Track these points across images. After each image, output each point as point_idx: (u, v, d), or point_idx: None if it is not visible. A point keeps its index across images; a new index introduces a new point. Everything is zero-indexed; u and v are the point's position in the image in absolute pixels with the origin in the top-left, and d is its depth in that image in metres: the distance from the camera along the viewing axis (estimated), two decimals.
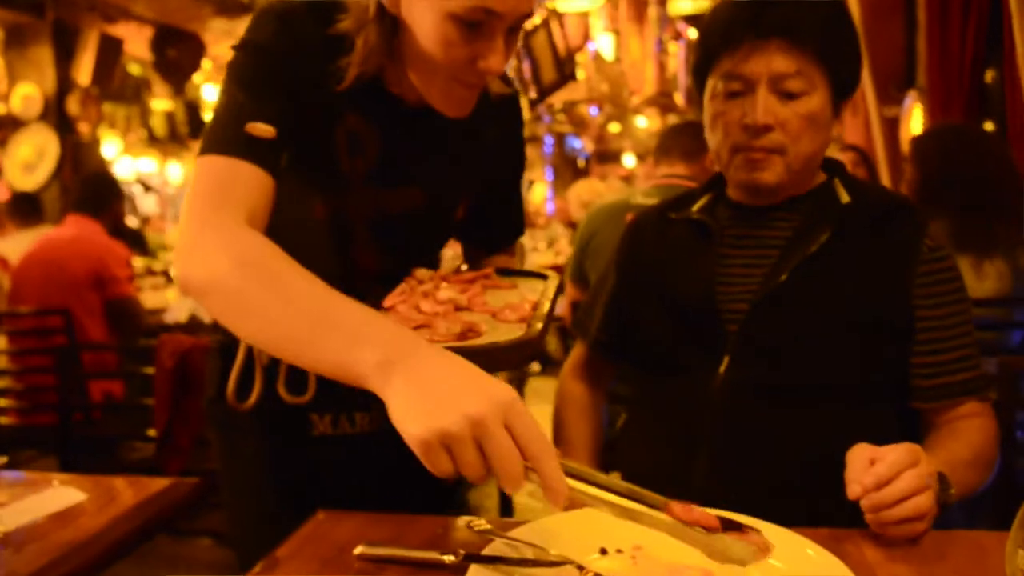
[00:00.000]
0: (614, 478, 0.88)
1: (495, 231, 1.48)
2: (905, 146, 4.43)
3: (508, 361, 1.01)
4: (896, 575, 0.92)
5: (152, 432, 2.14)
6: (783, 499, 1.14)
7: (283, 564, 0.98)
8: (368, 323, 0.86)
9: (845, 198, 1.29)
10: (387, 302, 1.13)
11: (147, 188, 10.69)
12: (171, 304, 3.52)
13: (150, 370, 2.07)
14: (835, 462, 1.08)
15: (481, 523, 1.01)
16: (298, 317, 0.87)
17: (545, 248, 7.11)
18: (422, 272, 1.21)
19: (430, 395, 0.77)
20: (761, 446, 1.23)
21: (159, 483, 1.31)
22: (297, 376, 1.26)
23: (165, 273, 4.59)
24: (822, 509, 1.06)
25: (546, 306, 1.09)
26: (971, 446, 1.20)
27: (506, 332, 1.02)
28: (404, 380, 0.79)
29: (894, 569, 0.93)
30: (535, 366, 5.27)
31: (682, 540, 0.83)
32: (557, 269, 5.74)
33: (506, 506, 3.16)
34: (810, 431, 1.22)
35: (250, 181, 1.02)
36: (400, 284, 1.18)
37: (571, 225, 6.49)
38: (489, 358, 0.92)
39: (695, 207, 1.38)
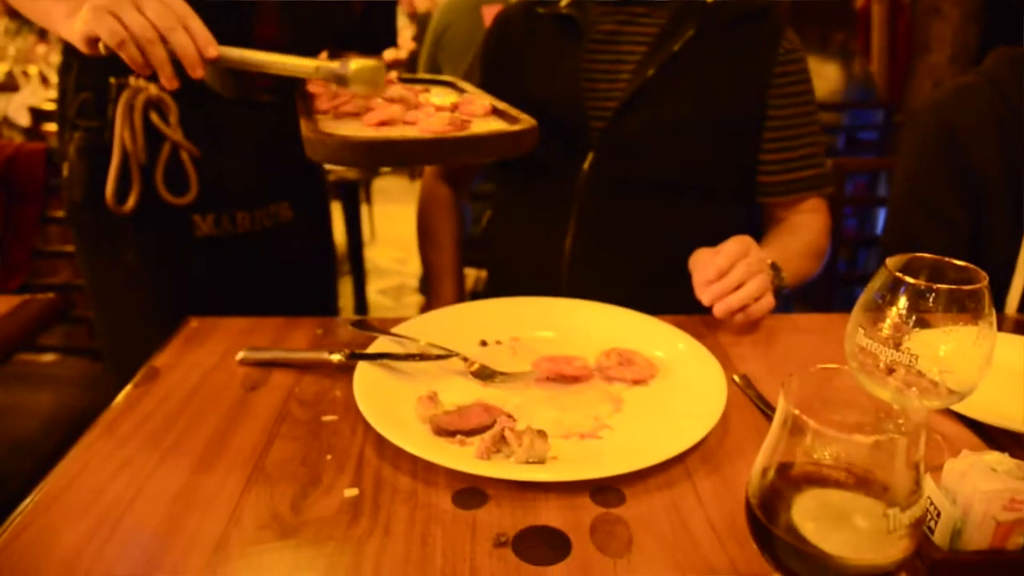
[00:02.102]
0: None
1: (376, 33, 1.46)
2: None
3: (524, 145, 1.04)
4: (743, 356, 1.03)
5: None
6: (642, 287, 1.23)
7: (163, 374, 0.97)
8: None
9: None
10: (321, 104, 1.10)
11: None
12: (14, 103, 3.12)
13: None
14: (688, 251, 1.17)
15: (367, 321, 1.02)
16: None
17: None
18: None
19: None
20: (622, 240, 1.29)
21: (9, 301, 1.24)
22: (176, 175, 1.20)
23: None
24: (677, 294, 1.15)
25: (500, 102, 1.14)
26: (805, 239, 1.33)
27: (492, 125, 1.05)
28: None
29: (741, 351, 1.04)
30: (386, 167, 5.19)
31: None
32: (399, 64, 5.51)
33: (360, 306, 3.22)
34: (668, 224, 1.29)
35: None
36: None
37: (413, 17, 6.16)
38: (507, 143, 1.01)
39: (563, 1, 1.35)
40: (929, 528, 0.65)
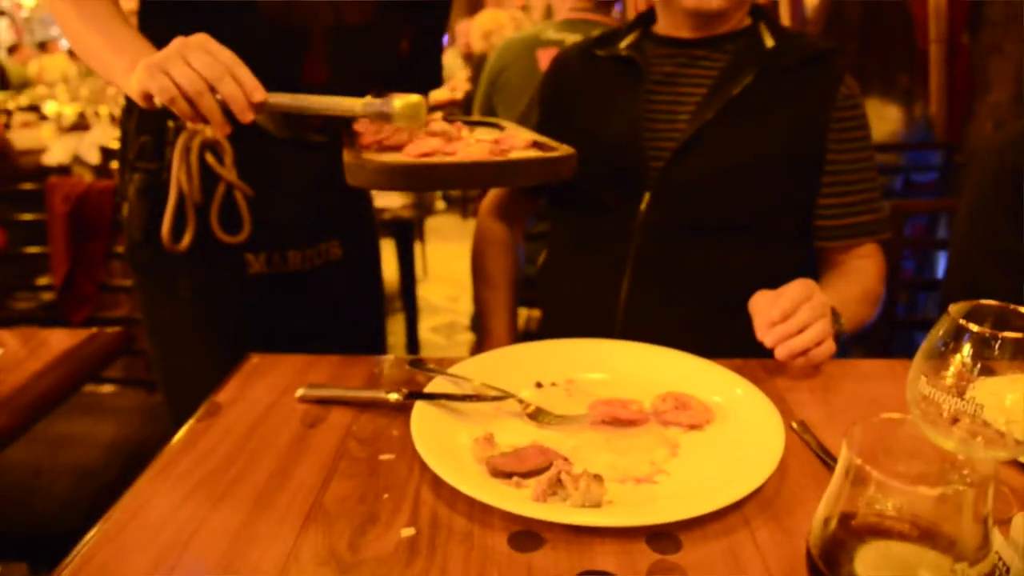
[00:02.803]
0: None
1: (421, 75, 1.49)
2: None
3: (561, 172, 1.06)
4: (801, 401, 1.02)
5: (43, 281, 2.05)
6: (698, 329, 1.23)
7: (225, 410, 1.00)
8: (129, 42, 1.09)
9: (770, 42, 1.31)
10: (365, 139, 1.14)
11: None
12: (48, 144, 3.26)
13: (31, 216, 1.95)
14: (746, 296, 1.16)
15: (424, 361, 1.04)
16: (91, 33, 1.11)
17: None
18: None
19: (151, 58, 0.98)
20: (678, 281, 1.29)
21: (78, 335, 1.28)
22: (230, 214, 1.24)
23: (35, 108, 4.21)
24: (733, 338, 1.15)
25: (541, 136, 1.17)
26: (862, 284, 1.31)
27: (531, 154, 1.08)
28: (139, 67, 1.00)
29: (799, 396, 1.03)
30: (440, 204, 5.27)
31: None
32: (454, 104, 5.60)
33: (412, 343, 3.26)
34: (724, 266, 1.28)
35: None
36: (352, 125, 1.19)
37: (469, 58, 6.27)
38: (548, 168, 1.04)
39: (622, 44, 1.38)
40: None
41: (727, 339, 1.14)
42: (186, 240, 1.22)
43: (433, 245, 4.98)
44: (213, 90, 0.96)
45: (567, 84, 1.44)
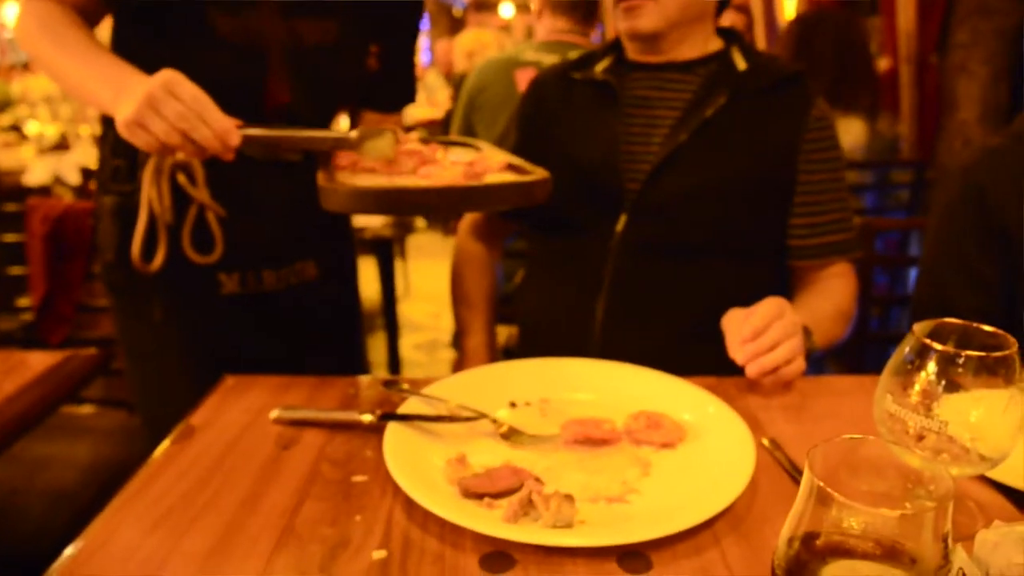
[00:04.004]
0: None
1: (393, 91, 1.48)
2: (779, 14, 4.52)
3: (535, 196, 1.06)
4: (773, 419, 1.03)
5: (23, 302, 2.04)
6: (674, 349, 1.24)
7: (199, 432, 0.99)
8: (110, 69, 1.11)
9: (742, 65, 1.33)
10: (341, 161, 1.14)
11: None
12: (29, 165, 3.24)
13: (12, 237, 1.94)
14: (721, 315, 1.17)
15: (401, 383, 1.04)
16: (71, 64, 1.14)
17: (423, 101, 6.89)
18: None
19: (126, 99, 1.02)
20: (654, 300, 1.31)
21: (54, 356, 1.28)
22: (203, 235, 1.24)
23: (16, 128, 4.18)
24: (708, 358, 1.16)
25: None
26: (834, 302, 1.33)
27: (506, 178, 1.08)
28: (119, 101, 1.04)
29: (771, 414, 1.04)
30: (420, 222, 5.27)
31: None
32: (435, 123, 5.62)
33: (393, 361, 3.25)
34: (700, 287, 1.30)
35: None
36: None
37: (450, 77, 6.30)
38: (521, 192, 1.05)
39: (598, 67, 1.39)
40: None
41: (702, 358, 1.15)
42: (158, 261, 1.22)
43: (415, 263, 4.98)
44: (189, 140, 1.01)
45: (545, 106, 1.46)
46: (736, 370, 1.09)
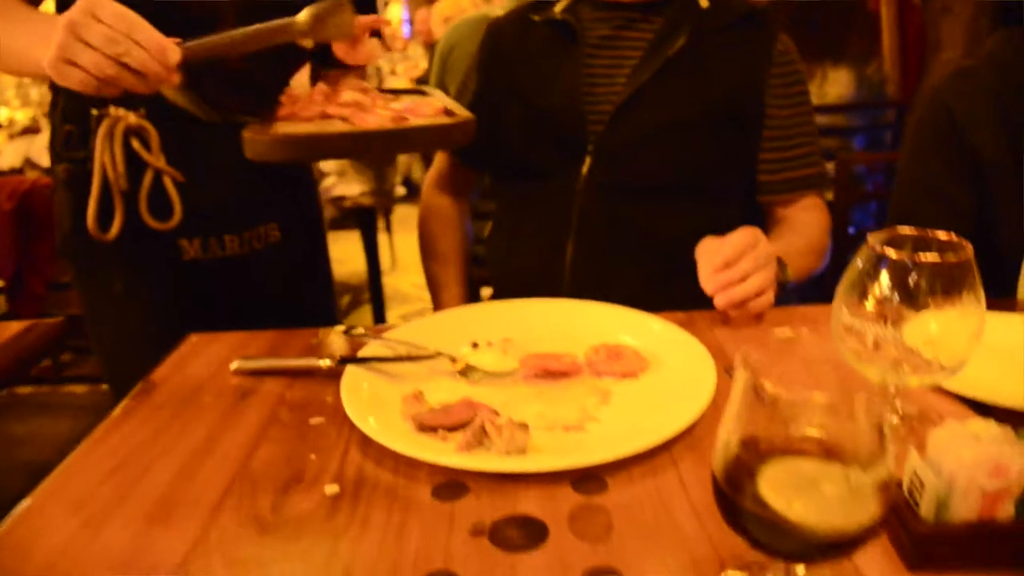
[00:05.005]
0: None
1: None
2: None
3: (453, 138, 1.06)
4: (738, 349, 1.01)
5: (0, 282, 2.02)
6: (644, 289, 1.22)
7: (159, 387, 0.98)
8: (45, 25, 1.02)
9: (704, 3, 1.31)
10: (282, 112, 1.11)
11: None
12: (1, 149, 3.22)
13: None
14: (689, 253, 1.16)
15: (357, 328, 1.03)
16: (11, 38, 1.05)
17: (403, 72, 6.81)
18: (296, 89, 1.18)
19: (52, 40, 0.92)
20: (623, 242, 1.29)
21: (17, 325, 1.26)
22: (160, 201, 1.21)
23: None
24: (679, 296, 1.14)
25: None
26: (806, 236, 1.32)
27: (434, 120, 1.06)
28: None
29: (738, 346, 1.02)
30: (400, 190, 5.23)
31: None
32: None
33: (376, 297, 3.24)
34: (668, 226, 1.28)
35: None
36: (280, 96, 1.16)
37: (430, 47, 6.22)
38: (435, 136, 1.04)
39: (558, 8, 1.36)
40: (915, 501, 0.63)
41: (673, 297, 1.14)
42: (115, 229, 1.19)
43: (401, 236, 4.94)
44: (124, 65, 0.92)
45: (503, 50, 1.43)
46: (707, 303, 1.07)
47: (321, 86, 1.19)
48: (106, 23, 0.90)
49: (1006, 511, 0.61)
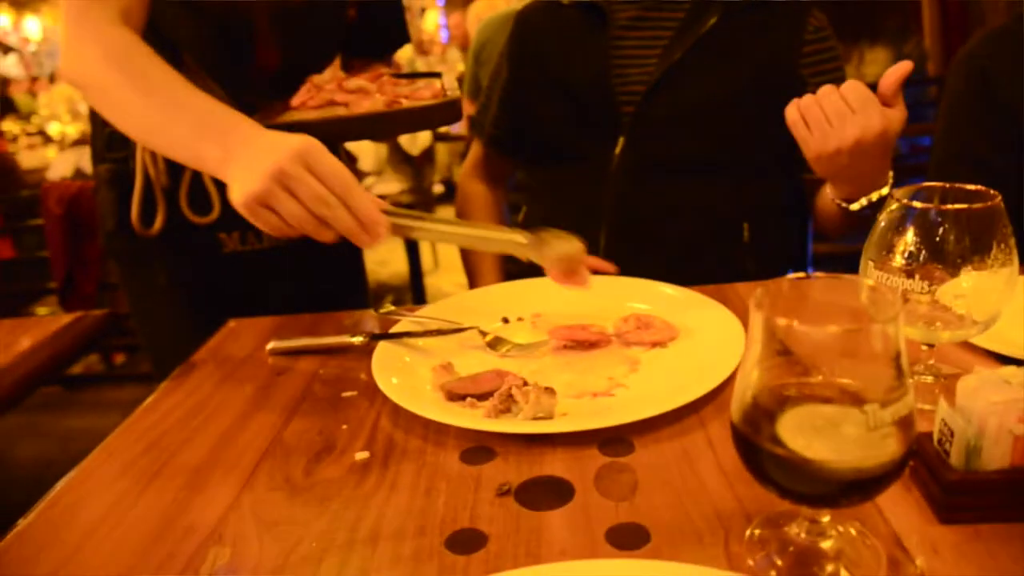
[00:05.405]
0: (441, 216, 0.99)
1: (380, 37, 1.46)
2: None
3: (434, 120, 1.06)
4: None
5: (53, 284, 2.09)
6: (678, 267, 1.22)
7: (198, 368, 1.01)
8: (212, 116, 0.92)
9: None
10: (294, 101, 1.13)
11: (6, 49, 9.79)
12: (52, 162, 3.32)
13: (38, 221, 1.99)
14: (725, 233, 1.15)
15: (387, 307, 1.04)
16: (155, 109, 0.94)
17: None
18: (319, 77, 1.20)
19: (246, 167, 0.84)
20: (656, 222, 1.29)
21: (67, 317, 1.32)
22: (200, 195, 1.24)
23: (42, 133, 4.30)
24: (710, 272, 1.14)
25: (457, 85, 1.14)
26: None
27: (418, 103, 1.08)
28: (236, 166, 0.86)
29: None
30: (439, 188, 5.27)
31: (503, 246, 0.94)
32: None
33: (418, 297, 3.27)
34: (700, 205, 1.28)
35: None
36: (300, 87, 1.18)
37: (468, 50, 6.26)
38: (418, 118, 1.03)
39: None
40: (944, 452, 0.62)
41: (705, 276, 1.13)
42: (158, 223, 1.23)
43: None
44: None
45: (532, 36, 1.44)
46: (737, 278, 1.07)
47: (337, 74, 1.21)
48: (323, 179, 0.82)
49: None
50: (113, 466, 0.78)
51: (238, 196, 0.84)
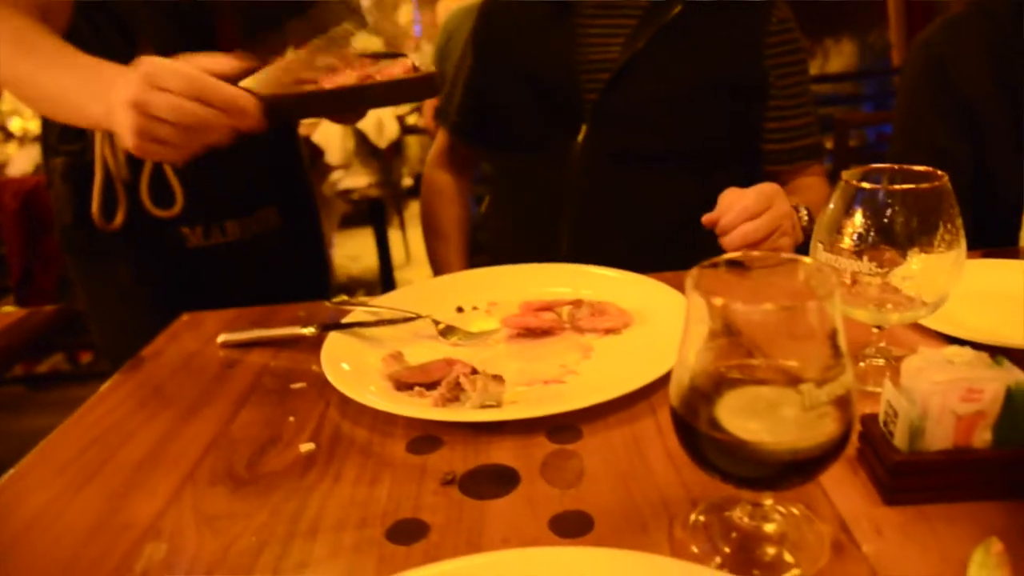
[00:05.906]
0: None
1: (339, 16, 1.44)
2: None
3: (413, 93, 1.05)
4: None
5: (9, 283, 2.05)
6: (640, 257, 1.21)
7: (148, 362, 0.99)
8: (94, 72, 0.94)
9: None
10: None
11: None
12: (13, 157, 3.27)
13: None
14: (688, 224, 1.14)
15: (340, 297, 1.02)
16: (46, 77, 0.97)
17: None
18: (282, 59, 1.18)
19: (116, 114, 0.85)
20: (620, 209, 1.28)
21: (18, 313, 1.29)
22: (161, 188, 1.22)
23: (3, 129, 4.21)
24: (674, 263, 1.13)
25: (428, 62, 1.11)
26: (811, 198, 1.30)
27: (395, 76, 1.05)
28: (113, 116, 0.87)
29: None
30: (407, 181, 5.24)
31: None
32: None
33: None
34: (664, 195, 1.27)
35: None
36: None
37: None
38: (394, 90, 1.01)
39: None
40: (889, 432, 0.61)
41: (669, 266, 1.13)
42: (119, 217, 1.20)
43: (415, 230, 4.96)
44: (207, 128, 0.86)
45: (497, 24, 1.43)
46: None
47: (301, 53, 1.19)
48: (171, 90, 0.83)
49: (983, 438, 0.59)
50: (52, 464, 0.76)
51: (124, 143, 0.86)
